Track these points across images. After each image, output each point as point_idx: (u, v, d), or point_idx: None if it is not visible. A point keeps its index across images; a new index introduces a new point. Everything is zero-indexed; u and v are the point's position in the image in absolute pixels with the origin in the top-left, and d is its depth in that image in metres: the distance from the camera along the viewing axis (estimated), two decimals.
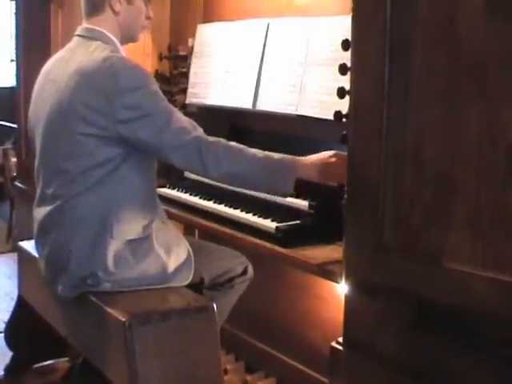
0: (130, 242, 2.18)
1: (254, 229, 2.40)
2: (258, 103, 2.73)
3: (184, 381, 2.11)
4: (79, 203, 2.16)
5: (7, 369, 2.89)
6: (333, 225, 2.16)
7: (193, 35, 3.13)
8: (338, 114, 2.11)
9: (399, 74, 1.55)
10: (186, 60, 3.20)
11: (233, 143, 2.18)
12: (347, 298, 1.77)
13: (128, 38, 2.35)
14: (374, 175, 1.62)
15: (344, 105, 1.88)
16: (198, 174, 2.29)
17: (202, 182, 2.91)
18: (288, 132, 2.79)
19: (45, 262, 2.30)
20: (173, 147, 2.10)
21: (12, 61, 6.85)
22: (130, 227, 2.18)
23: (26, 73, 3.74)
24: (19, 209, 4.16)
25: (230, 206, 2.58)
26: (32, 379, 2.93)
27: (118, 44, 2.28)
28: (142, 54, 3.35)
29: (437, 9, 1.48)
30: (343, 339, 1.80)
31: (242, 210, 2.52)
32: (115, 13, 2.26)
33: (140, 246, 2.20)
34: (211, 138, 2.15)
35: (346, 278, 1.74)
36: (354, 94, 1.68)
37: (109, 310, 2.11)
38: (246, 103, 2.77)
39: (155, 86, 2.16)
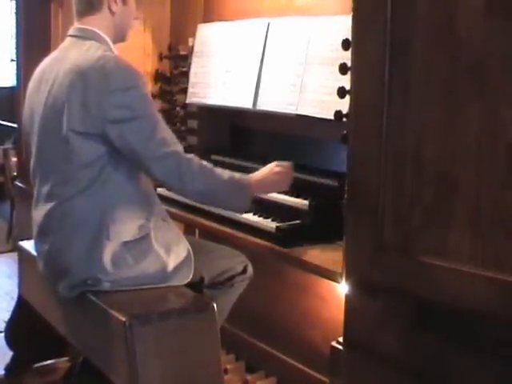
0: (127, 243, 2.18)
1: (254, 228, 2.40)
2: (259, 103, 2.73)
3: (184, 380, 2.11)
4: (74, 206, 2.16)
5: (7, 368, 2.89)
6: (333, 224, 2.17)
7: (193, 35, 3.13)
8: (338, 113, 2.11)
9: (399, 74, 1.56)
10: (186, 60, 3.21)
11: (204, 162, 2.23)
12: (347, 298, 1.77)
13: (120, 37, 2.36)
14: (374, 175, 1.62)
15: (344, 104, 1.88)
16: (172, 188, 2.26)
17: None
18: (288, 132, 2.79)
19: (44, 263, 2.31)
20: (154, 157, 2.12)
21: (12, 60, 6.85)
22: (125, 228, 2.18)
23: (26, 72, 3.73)
24: (19, 208, 4.16)
25: None
26: (32, 379, 2.93)
27: (111, 44, 2.29)
28: (143, 53, 3.36)
29: (437, 9, 1.48)
30: (343, 339, 1.80)
31: None
32: (112, 13, 2.27)
33: (138, 246, 2.20)
34: (188, 155, 2.19)
35: (346, 278, 1.74)
36: (355, 93, 1.69)
37: (109, 309, 2.11)
38: (246, 103, 2.77)
39: (145, 89, 2.18)
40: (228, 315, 2.51)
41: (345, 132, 1.83)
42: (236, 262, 2.48)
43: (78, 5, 2.28)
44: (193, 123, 3.20)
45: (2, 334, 2.97)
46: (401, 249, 1.59)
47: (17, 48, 4.05)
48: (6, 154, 5.49)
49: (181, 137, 3.24)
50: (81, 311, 2.27)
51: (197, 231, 3.19)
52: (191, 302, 2.18)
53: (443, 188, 1.49)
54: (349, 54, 1.71)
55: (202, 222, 2.60)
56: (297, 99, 2.54)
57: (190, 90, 3.09)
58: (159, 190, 2.67)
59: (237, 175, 2.27)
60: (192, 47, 3.12)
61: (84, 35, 2.24)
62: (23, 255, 2.74)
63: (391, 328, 1.66)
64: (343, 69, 1.97)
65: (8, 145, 5.79)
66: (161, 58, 3.38)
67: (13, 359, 2.89)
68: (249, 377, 2.84)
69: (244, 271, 2.49)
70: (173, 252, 2.26)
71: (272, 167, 2.36)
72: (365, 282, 1.70)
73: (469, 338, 1.50)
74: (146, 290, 2.22)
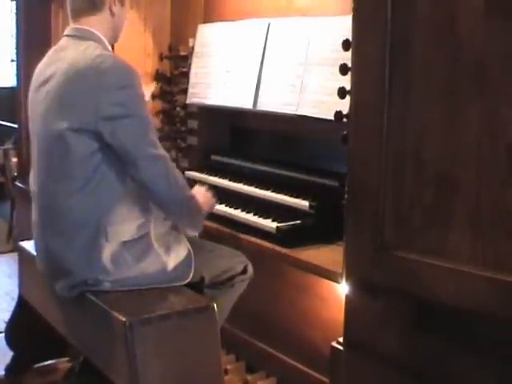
0: (126, 243, 2.19)
1: (254, 229, 2.40)
2: (259, 103, 2.73)
3: (184, 381, 2.12)
4: (71, 205, 2.17)
5: (8, 368, 2.89)
6: (333, 225, 2.17)
7: (193, 35, 3.13)
8: (338, 114, 2.11)
9: (400, 74, 1.56)
10: (186, 60, 3.21)
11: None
12: (347, 298, 1.77)
13: (114, 38, 2.38)
14: (375, 175, 1.62)
15: (345, 105, 1.88)
16: (155, 190, 2.20)
17: (203, 183, 2.91)
18: (288, 132, 2.79)
19: (43, 262, 2.31)
20: (144, 157, 2.13)
21: (12, 61, 6.85)
22: (123, 228, 2.19)
23: (27, 73, 3.73)
24: (20, 209, 4.16)
25: (231, 206, 2.58)
26: (32, 379, 2.93)
27: (108, 44, 2.29)
28: (143, 54, 3.36)
29: (437, 9, 1.48)
30: (344, 339, 1.80)
31: (242, 210, 2.52)
32: (112, 13, 2.28)
33: (137, 246, 2.20)
34: (171, 162, 2.23)
35: (347, 278, 1.74)
36: (355, 94, 1.69)
37: (109, 309, 2.12)
38: (246, 103, 2.77)
39: (141, 90, 2.19)
40: (228, 315, 2.51)
41: (345, 132, 1.83)
42: (236, 261, 2.49)
43: (76, 4, 2.27)
44: (193, 123, 3.20)
45: (3, 335, 2.97)
46: (401, 249, 1.59)
47: (17, 48, 4.05)
48: (6, 154, 5.48)
49: (181, 137, 3.25)
50: (81, 311, 2.27)
51: None
52: (191, 302, 2.18)
53: (443, 188, 1.49)
54: (349, 54, 1.71)
55: None
56: (297, 100, 2.54)
57: (191, 90, 3.10)
58: None
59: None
60: (192, 47, 3.13)
61: (81, 35, 2.24)
62: (23, 255, 2.74)
63: (391, 328, 1.66)
64: (343, 69, 1.97)
65: (8, 145, 5.78)
66: (161, 58, 3.38)
67: (13, 359, 2.90)
68: (249, 377, 2.84)
69: (244, 271, 2.49)
70: (173, 252, 2.27)
71: (205, 191, 2.49)
72: (365, 282, 1.70)
73: (469, 338, 1.50)
74: (147, 290, 2.22)
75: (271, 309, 2.86)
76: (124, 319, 2.03)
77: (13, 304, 3.01)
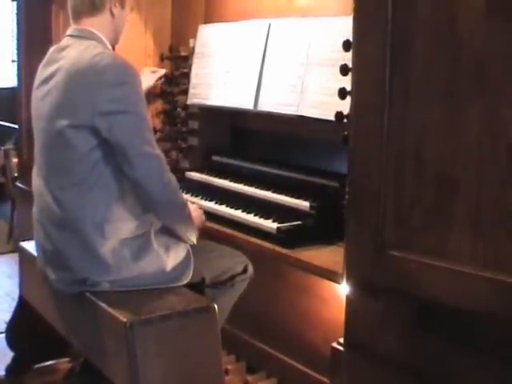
0: (126, 240, 2.20)
1: (255, 229, 2.40)
2: (259, 104, 2.73)
3: (185, 381, 2.11)
4: (69, 201, 2.18)
5: (8, 369, 2.89)
6: (334, 225, 2.17)
7: (194, 36, 3.13)
8: (339, 114, 2.11)
9: (400, 75, 1.56)
10: (187, 61, 3.21)
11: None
12: (348, 299, 1.77)
13: (115, 40, 2.39)
14: (375, 175, 1.62)
15: (345, 105, 1.88)
16: (148, 190, 2.19)
17: (203, 183, 2.92)
18: (289, 132, 2.79)
19: (43, 258, 2.32)
20: (140, 153, 2.14)
21: (13, 61, 6.84)
22: (122, 226, 2.20)
23: (27, 73, 3.74)
24: (20, 209, 4.16)
25: (232, 207, 2.58)
26: (33, 379, 2.93)
27: (108, 44, 2.31)
28: (144, 54, 3.36)
29: (438, 9, 1.48)
30: (344, 340, 1.80)
31: (243, 211, 2.52)
32: (112, 15, 2.30)
33: (136, 243, 2.21)
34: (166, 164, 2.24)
35: (347, 279, 1.74)
36: (355, 94, 1.69)
37: (110, 310, 2.12)
38: (247, 104, 2.77)
39: (140, 88, 2.20)
40: (229, 316, 2.51)
41: (346, 133, 1.83)
42: (236, 261, 2.49)
43: (77, 5, 2.29)
44: (194, 124, 3.20)
45: (3, 335, 2.97)
46: (401, 249, 1.59)
47: (18, 49, 4.05)
48: (6, 154, 5.48)
49: (182, 138, 3.25)
50: (81, 311, 2.27)
51: None
52: (192, 302, 2.18)
53: (444, 188, 1.49)
54: (350, 55, 1.71)
55: None
56: (298, 100, 2.54)
57: (191, 90, 3.10)
58: None
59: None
60: (193, 48, 3.13)
61: (83, 35, 2.26)
62: (24, 256, 2.74)
63: (392, 328, 1.66)
64: (344, 70, 1.97)
65: (9, 145, 5.78)
66: (162, 58, 3.38)
67: (13, 360, 2.90)
68: (249, 377, 2.84)
69: (244, 271, 2.49)
70: (172, 252, 2.27)
71: (195, 207, 2.48)
72: (365, 282, 1.70)
73: (469, 339, 1.50)
74: (147, 290, 2.22)
75: (272, 309, 2.86)
76: (124, 319, 2.03)
77: (13, 304, 3.01)
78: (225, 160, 3.06)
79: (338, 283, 1.95)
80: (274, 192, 2.57)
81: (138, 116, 2.16)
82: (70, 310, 2.36)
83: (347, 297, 1.77)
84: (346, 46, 1.90)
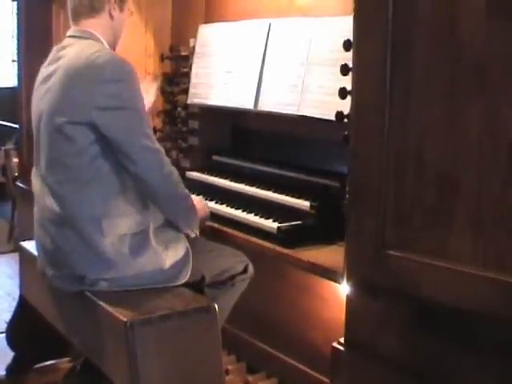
0: (125, 236, 2.20)
1: (255, 229, 2.40)
2: (260, 103, 2.73)
3: (185, 381, 2.11)
4: (66, 197, 2.19)
5: (9, 369, 2.89)
6: (334, 225, 2.17)
7: (194, 36, 3.13)
8: (339, 114, 2.11)
9: (401, 75, 1.56)
10: (187, 60, 3.21)
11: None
12: (348, 299, 1.77)
13: (114, 42, 2.41)
14: (376, 176, 1.62)
15: (345, 105, 1.88)
16: (149, 183, 2.21)
17: (204, 183, 2.92)
18: (289, 132, 2.79)
19: (43, 255, 2.33)
20: (140, 147, 2.16)
21: (13, 61, 6.85)
22: (121, 222, 2.20)
23: (28, 73, 3.74)
24: (21, 209, 4.17)
25: (232, 207, 2.58)
26: (33, 379, 2.93)
27: (107, 44, 2.33)
28: (144, 54, 3.36)
29: (438, 10, 1.48)
30: (344, 339, 1.80)
31: (243, 211, 2.52)
32: (111, 17, 2.33)
33: (135, 240, 2.21)
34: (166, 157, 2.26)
35: (348, 279, 1.74)
36: (356, 94, 1.69)
37: (110, 309, 2.12)
38: (247, 103, 2.77)
39: (137, 85, 2.22)
40: (229, 316, 2.51)
41: (346, 133, 1.83)
42: (237, 261, 2.49)
43: (76, 7, 2.31)
44: (194, 124, 3.20)
45: (4, 335, 2.96)
46: (402, 249, 1.59)
47: (18, 49, 4.06)
48: (7, 154, 5.49)
49: (182, 137, 3.25)
50: (82, 311, 2.28)
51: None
52: (192, 302, 2.18)
53: (444, 188, 1.49)
54: (350, 54, 1.71)
55: None
56: (298, 100, 2.54)
57: (192, 90, 3.10)
58: None
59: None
60: (193, 48, 3.12)
61: (82, 35, 2.29)
62: (24, 255, 2.74)
63: (392, 328, 1.66)
64: (344, 69, 1.97)
65: (9, 145, 5.79)
66: (162, 58, 3.39)
67: (14, 359, 2.89)
68: (250, 377, 2.84)
69: (245, 271, 2.50)
70: (171, 250, 2.28)
71: (200, 200, 2.54)
72: (366, 282, 1.70)
73: (469, 339, 1.50)
74: (147, 290, 2.22)
75: (272, 309, 2.86)
76: (125, 319, 2.03)
77: (14, 304, 3.01)
78: (225, 160, 3.05)
79: (339, 283, 1.95)
80: (274, 192, 2.57)
81: (136, 111, 2.18)
82: (70, 310, 2.36)
83: (347, 297, 1.77)
84: (347, 45, 1.90)
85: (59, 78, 2.19)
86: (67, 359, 3.01)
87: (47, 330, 2.56)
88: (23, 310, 2.83)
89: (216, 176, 2.91)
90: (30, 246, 2.61)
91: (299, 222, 2.36)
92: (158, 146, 2.21)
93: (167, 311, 2.10)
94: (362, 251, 1.68)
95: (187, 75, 3.17)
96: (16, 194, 4.41)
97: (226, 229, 2.51)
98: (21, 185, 3.89)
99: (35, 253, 2.43)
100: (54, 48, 2.36)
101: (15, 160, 5.01)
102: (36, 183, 2.34)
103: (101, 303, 2.16)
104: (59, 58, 2.26)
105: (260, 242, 2.35)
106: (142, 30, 3.33)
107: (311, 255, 2.19)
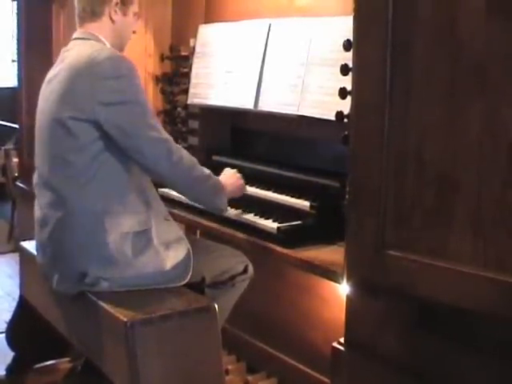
0: (127, 234, 2.20)
1: (255, 229, 2.40)
2: (260, 103, 2.73)
3: (185, 381, 2.11)
4: (67, 194, 2.20)
5: (9, 369, 2.89)
6: (334, 225, 2.17)
7: (194, 36, 3.13)
8: (339, 114, 2.11)
9: (401, 75, 1.56)
10: (187, 60, 3.21)
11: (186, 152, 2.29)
12: (348, 299, 1.77)
13: (118, 46, 2.43)
14: (376, 176, 1.62)
15: (345, 105, 1.88)
16: (158, 171, 2.23)
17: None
18: (289, 132, 2.79)
19: (43, 254, 2.33)
20: (147, 138, 2.17)
21: (13, 61, 6.85)
22: (123, 220, 2.21)
23: (28, 73, 3.75)
24: (21, 209, 4.17)
25: (232, 207, 2.58)
26: (33, 379, 2.93)
27: (108, 45, 2.36)
28: (144, 54, 3.36)
29: (438, 10, 1.48)
30: (344, 339, 1.80)
31: (243, 211, 2.52)
32: (112, 21, 2.37)
33: (137, 239, 2.21)
34: (177, 144, 2.26)
35: (348, 279, 1.74)
36: (356, 94, 1.69)
37: (110, 310, 2.12)
38: (247, 103, 2.77)
39: (138, 80, 2.25)
40: (229, 316, 2.52)
41: (346, 133, 1.83)
42: (237, 261, 2.49)
43: (80, 13, 2.38)
44: (194, 124, 3.20)
45: (4, 335, 2.96)
46: (402, 249, 1.59)
47: (18, 49, 4.06)
48: (7, 154, 5.49)
49: (182, 137, 3.25)
50: (82, 311, 2.28)
51: (198, 232, 3.19)
52: (192, 302, 2.18)
53: (444, 189, 1.49)
54: (350, 54, 1.71)
55: (202, 223, 2.60)
56: (298, 100, 2.54)
57: (192, 90, 3.10)
58: (161, 190, 2.67)
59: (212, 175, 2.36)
60: (193, 48, 3.13)
61: (86, 37, 2.34)
62: (24, 255, 2.74)
63: (392, 328, 1.66)
64: (344, 69, 1.97)
65: (9, 145, 5.79)
66: (162, 58, 3.39)
67: (14, 360, 2.89)
68: (250, 377, 2.84)
69: (245, 271, 2.50)
70: (172, 250, 2.28)
71: (233, 173, 2.52)
72: (366, 282, 1.70)
73: (470, 339, 1.50)
74: (147, 290, 2.22)
75: (272, 309, 2.86)
76: (125, 319, 2.03)
77: (14, 304, 3.01)
78: (225, 160, 3.05)
79: (339, 283, 1.95)
80: (274, 192, 2.57)
81: (140, 104, 2.20)
82: (70, 310, 2.36)
83: (347, 297, 1.77)
84: (347, 45, 1.90)
85: (62, 77, 2.23)
86: (67, 359, 3.01)
87: (47, 330, 2.56)
88: (23, 310, 2.83)
89: (216, 176, 2.90)
90: (30, 246, 2.61)
91: (299, 222, 2.36)
92: (165, 135, 2.22)
93: (167, 311, 2.10)
94: (361, 251, 1.68)
95: (187, 75, 3.17)
96: (16, 194, 4.41)
97: (225, 229, 2.51)
98: (21, 185, 3.90)
99: (35, 253, 2.43)
100: (62, 50, 2.41)
101: (15, 160, 5.02)
102: (36, 181, 2.35)
103: (101, 303, 2.16)
104: (63, 60, 2.31)
105: (260, 242, 2.35)
106: (141, 30, 3.32)
107: (311, 255, 2.19)
